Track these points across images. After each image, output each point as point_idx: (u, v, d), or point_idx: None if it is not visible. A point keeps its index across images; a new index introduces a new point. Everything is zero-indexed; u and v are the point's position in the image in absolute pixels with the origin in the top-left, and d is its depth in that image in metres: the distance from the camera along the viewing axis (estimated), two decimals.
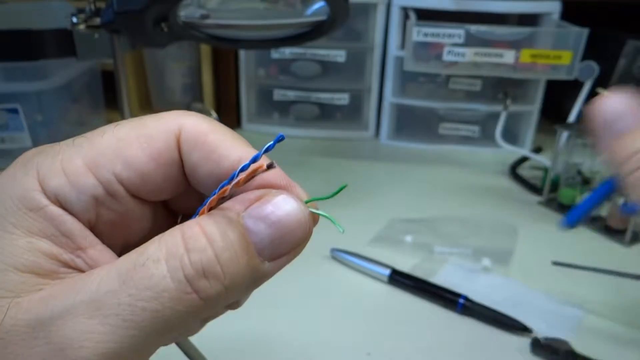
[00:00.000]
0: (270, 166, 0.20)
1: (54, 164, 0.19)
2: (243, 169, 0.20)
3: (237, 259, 0.19)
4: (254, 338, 0.52)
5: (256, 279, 0.20)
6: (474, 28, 0.81)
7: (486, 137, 0.96)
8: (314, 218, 0.21)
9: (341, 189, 0.20)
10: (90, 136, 0.21)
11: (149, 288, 0.18)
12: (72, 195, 0.19)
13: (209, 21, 0.64)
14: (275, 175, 0.21)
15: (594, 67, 0.79)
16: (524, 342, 0.51)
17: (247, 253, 0.19)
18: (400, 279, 0.58)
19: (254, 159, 0.20)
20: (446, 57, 0.83)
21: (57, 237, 0.19)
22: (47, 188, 0.19)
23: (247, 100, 1.00)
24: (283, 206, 0.20)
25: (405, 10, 0.89)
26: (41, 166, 0.19)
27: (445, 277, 0.59)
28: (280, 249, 0.20)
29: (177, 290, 0.18)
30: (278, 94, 0.99)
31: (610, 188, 0.49)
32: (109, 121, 0.94)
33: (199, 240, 0.19)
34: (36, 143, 0.82)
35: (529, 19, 0.91)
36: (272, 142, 0.20)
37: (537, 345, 0.50)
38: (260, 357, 0.50)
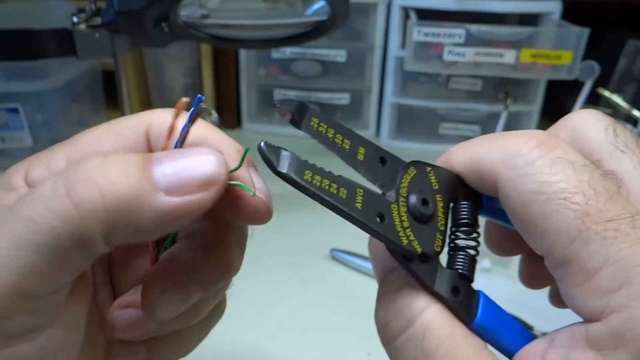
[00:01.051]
0: (200, 106, 0.21)
1: (43, 158, 0.22)
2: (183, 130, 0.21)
3: (126, 172, 0.18)
4: (254, 339, 0.52)
5: (145, 206, 0.18)
6: (475, 28, 0.81)
7: None
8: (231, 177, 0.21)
9: (245, 153, 0.21)
10: (78, 135, 0.23)
11: (29, 197, 0.18)
12: None
13: (209, 21, 0.64)
14: (222, 143, 0.22)
15: (595, 66, 0.79)
16: None
17: (140, 170, 0.18)
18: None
19: (184, 128, 0.21)
20: (447, 57, 0.83)
21: None
22: (28, 175, 0.22)
23: (247, 99, 1.00)
24: (196, 149, 0.20)
25: (405, 10, 0.89)
26: (33, 159, 0.22)
27: None
28: (180, 182, 0.19)
29: (51, 194, 0.17)
30: (278, 94, 0.99)
31: None
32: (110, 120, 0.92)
33: (93, 157, 0.19)
34: (36, 142, 0.82)
35: (530, 19, 0.91)
36: (193, 108, 0.21)
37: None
38: (260, 358, 0.50)
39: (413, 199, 0.20)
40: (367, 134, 1.00)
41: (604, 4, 0.91)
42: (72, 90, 0.88)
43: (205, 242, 0.23)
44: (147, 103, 1.04)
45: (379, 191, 0.20)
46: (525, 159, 0.19)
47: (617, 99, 0.83)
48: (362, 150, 0.21)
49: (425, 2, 0.88)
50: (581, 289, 0.17)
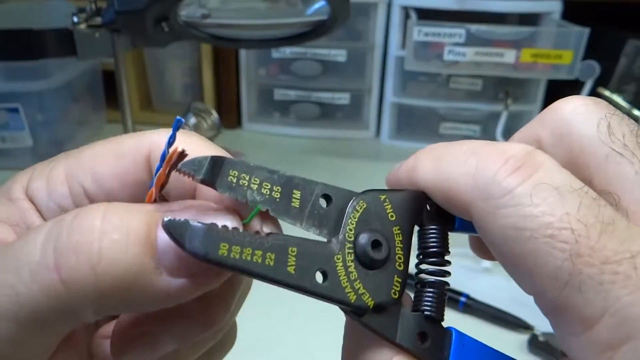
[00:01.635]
0: (182, 153, 0.18)
1: (45, 168, 0.21)
2: (158, 169, 0.18)
3: (125, 247, 0.16)
4: (254, 340, 0.51)
5: (143, 287, 0.16)
6: (475, 27, 0.81)
7: (487, 136, 0.96)
8: None
9: (255, 213, 0.18)
10: (83, 147, 0.21)
11: (16, 259, 0.16)
12: (44, 199, 0.20)
13: (209, 21, 0.64)
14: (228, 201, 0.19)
15: (595, 66, 0.79)
16: (524, 339, 0.51)
17: (142, 246, 0.16)
18: None
19: (163, 157, 0.18)
20: (447, 57, 0.83)
21: (20, 227, 0.20)
22: (29, 187, 0.20)
23: (247, 99, 1.00)
24: (210, 218, 0.18)
25: (406, 10, 0.89)
26: (36, 168, 0.21)
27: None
28: (188, 262, 0.16)
29: (39, 263, 0.16)
30: (279, 94, 0.99)
31: None
32: (110, 121, 0.93)
33: (92, 213, 0.16)
34: (36, 142, 0.82)
35: (530, 19, 0.91)
36: (172, 132, 0.18)
37: (535, 341, 0.50)
38: (261, 358, 0.50)
39: (362, 242, 0.18)
40: (367, 134, 1.00)
41: (604, 4, 0.91)
42: (72, 90, 0.88)
43: None
44: (147, 103, 1.04)
45: (324, 239, 0.18)
46: (502, 187, 0.16)
47: (617, 98, 0.83)
48: (297, 193, 0.18)
49: (426, 1, 0.88)
50: (578, 340, 0.15)
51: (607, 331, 0.14)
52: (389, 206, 0.19)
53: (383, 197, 0.19)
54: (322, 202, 0.19)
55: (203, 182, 0.17)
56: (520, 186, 0.16)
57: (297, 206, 0.18)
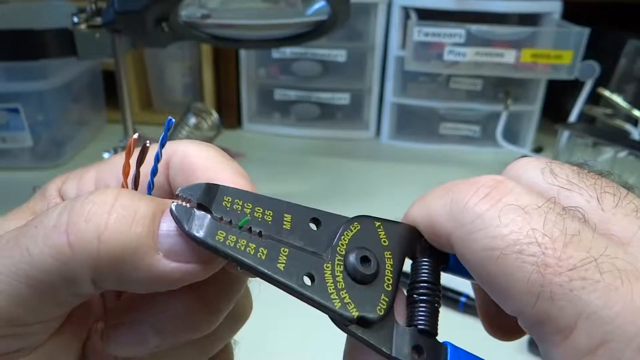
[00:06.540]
0: (144, 146, 0.20)
1: (78, 173, 0.23)
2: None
3: (130, 224, 0.17)
4: (253, 341, 0.51)
5: (139, 264, 0.17)
6: (475, 28, 0.81)
7: (487, 136, 0.96)
8: None
9: (244, 222, 0.19)
10: (111, 157, 0.23)
11: (34, 227, 0.18)
12: (72, 196, 0.22)
13: (209, 21, 0.64)
14: (223, 171, 0.21)
15: (595, 66, 0.79)
16: (523, 339, 0.51)
17: (146, 223, 0.18)
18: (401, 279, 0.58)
19: (156, 158, 0.20)
20: (447, 57, 0.83)
21: None
22: (63, 186, 0.23)
23: (247, 99, 1.00)
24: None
25: (406, 10, 0.89)
26: (72, 172, 0.23)
27: (446, 277, 0.59)
28: (184, 249, 0.18)
29: (53, 226, 0.17)
30: (279, 94, 0.99)
31: None
32: (110, 121, 0.94)
33: (107, 191, 0.18)
34: (37, 142, 0.82)
35: (530, 19, 0.91)
36: (163, 134, 0.20)
37: (535, 342, 0.50)
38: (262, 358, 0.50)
39: (352, 256, 0.18)
40: (367, 134, 1.00)
41: (604, 4, 0.92)
42: (73, 91, 0.88)
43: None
44: (147, 103, 1.04)
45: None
46: (473, 212, 0.17)
47: (617, 98, 0.83)
48: (287, 217, 0.19)
49: (426, 2, 0.88)
50: (559, 350, 0.15)
51: (583, 337, 0.15)
52: (383, 232, 0.20)
53: (378, 223, 0.20)
54: (312, 226, 0.19)
55: (199, 206, 0.18)
56: (489, 210, 0.17)
57: (289, 228, 0.19)
